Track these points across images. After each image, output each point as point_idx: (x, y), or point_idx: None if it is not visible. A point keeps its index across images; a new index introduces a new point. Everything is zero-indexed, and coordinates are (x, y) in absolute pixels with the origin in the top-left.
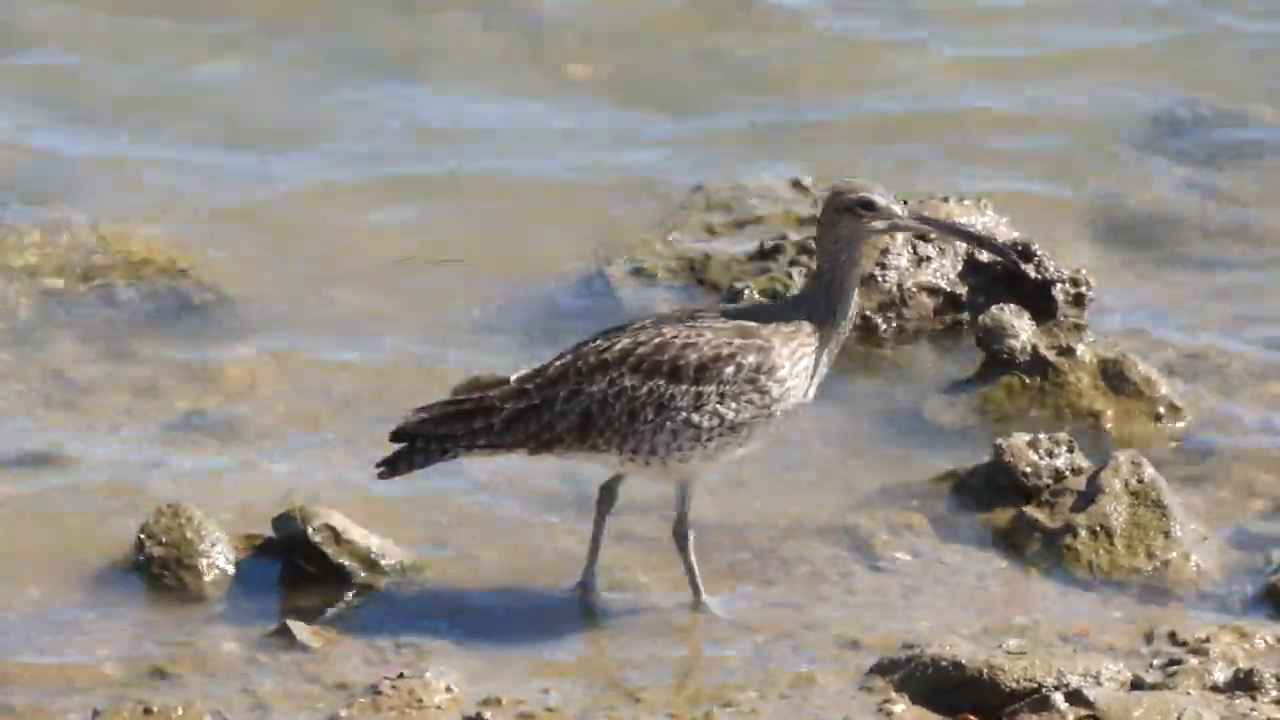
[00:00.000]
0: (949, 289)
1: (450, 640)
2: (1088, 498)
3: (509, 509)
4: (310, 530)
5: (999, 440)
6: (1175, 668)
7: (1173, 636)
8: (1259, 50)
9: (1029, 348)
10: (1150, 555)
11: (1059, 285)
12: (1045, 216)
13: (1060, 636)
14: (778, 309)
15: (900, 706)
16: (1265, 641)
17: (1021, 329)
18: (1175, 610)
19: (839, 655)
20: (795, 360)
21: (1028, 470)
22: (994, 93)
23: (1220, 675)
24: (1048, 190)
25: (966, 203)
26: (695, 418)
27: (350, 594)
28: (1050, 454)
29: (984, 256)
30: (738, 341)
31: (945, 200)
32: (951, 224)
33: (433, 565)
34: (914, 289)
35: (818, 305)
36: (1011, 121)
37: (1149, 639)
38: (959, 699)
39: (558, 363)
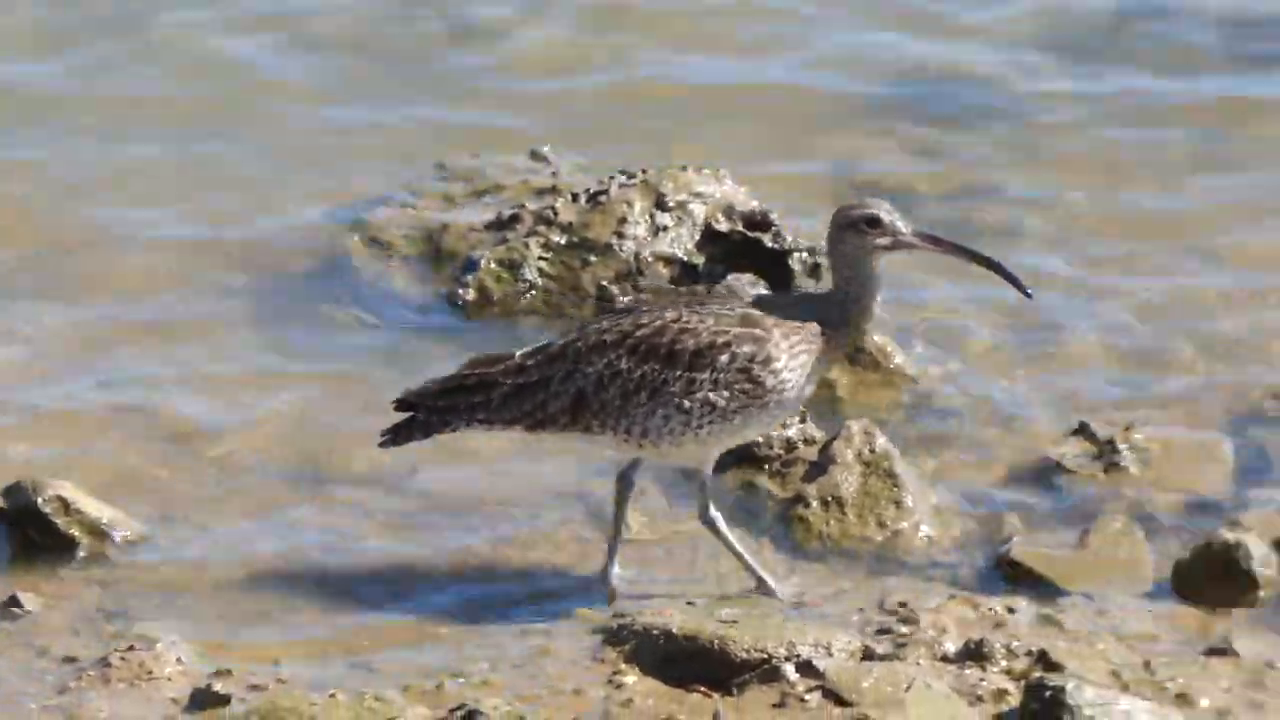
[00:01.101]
0: (686, 259)
1: (182, 612)
2: (819, 468)
3: (245, 482)
4: (40, 501)
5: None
6: (906, 638)
7: (904, 607)
8: (983, 21)
9: None
10: (882, 525)
11: (796, 255)
12: (783, 186)
13: (791, 606)
14: (794, 303)
15: (631, 678)
16: (996, 612)
17: (744, 298)
18: (907, 581)
19: (572, 625)
20: (794, 354)
21: (760, 440)
22: (733, 63)
23: (951, 646)
24: (785, 160)
25: (705, 172)
26: (686, 403)
27: (81, 565)
28: (783, 424)
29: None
30: (735, 330)
31: (684, 169)
32: (959, 245)
33: (166, 537)
34: (651, 258)
35: (832, 311)
36: (750, 91)
37: (880, 609)
38: (690, 669)
39: (560, 341)
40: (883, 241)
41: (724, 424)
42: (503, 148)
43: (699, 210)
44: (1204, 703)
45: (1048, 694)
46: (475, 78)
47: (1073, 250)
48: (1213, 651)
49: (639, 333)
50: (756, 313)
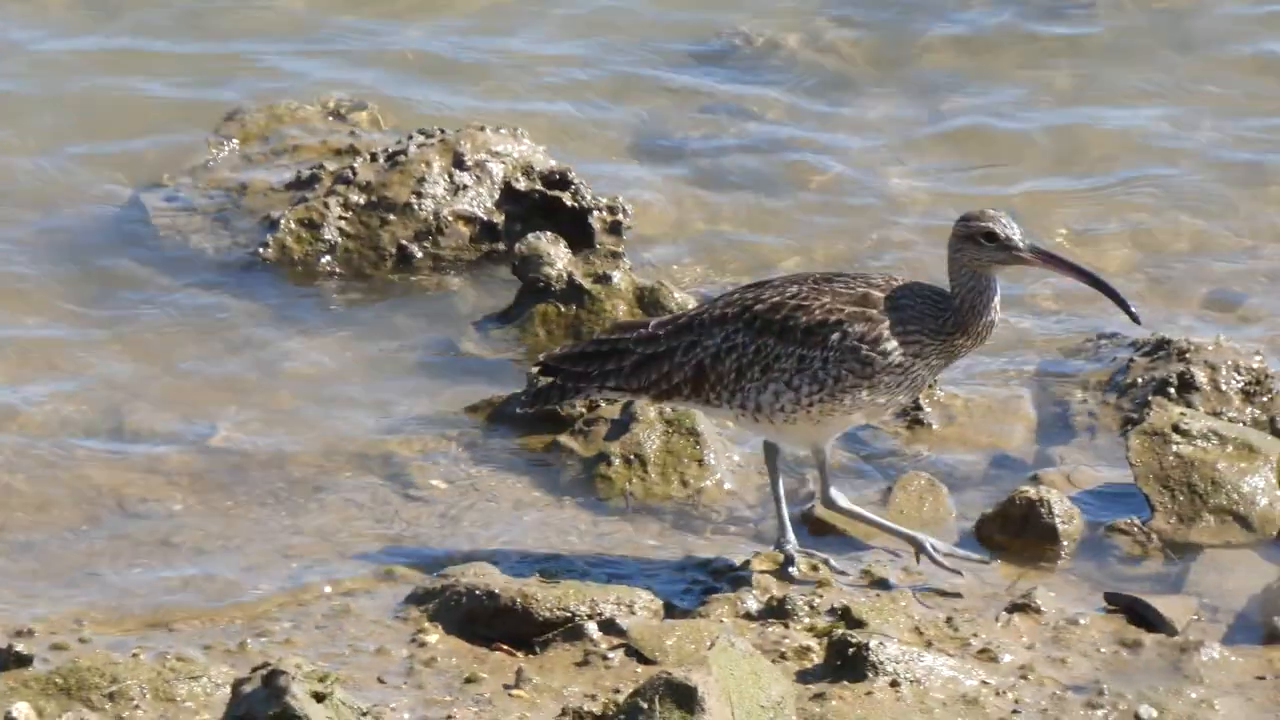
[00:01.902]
0: (486, 217)
1: None
2: (622, 426)
3: (42, 446)
4: None
5: (534, 369)
6: (709, 596)
7: (706, 564)
8: None
9: (565, 275)
10: (684, 483)
11: (596, 213)
12: (584, 144)
13: (594, 565)
14: (921, 297)
15: (434, 636)
16: (798, 569)
17: (558, 257)
18: (710, 538)
19: (374, 585)
20: (906, 340)
21: None
22: (534, 21)
23: (753, 603)
24: (587, 118)
25: (503, 130)
26: (796, 380)
27: None
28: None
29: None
30: (849, 309)
31: (482, 129)
32: (1073, 264)
33: None
34: (450, 217)
35: (948, 314)
36: (550, 49)
37: (682, 567)
38: (493, 628)
39: (692, 312)
40: (999, 256)
41: (834, 402)
42: (302, 108)
43: (498, 169)
44: (1006, 658)
45: (850, 650)
46: (268, 30)
47: (864, 215)
48: (1015, 607)
49: (757, 307)
50: (876, 293)
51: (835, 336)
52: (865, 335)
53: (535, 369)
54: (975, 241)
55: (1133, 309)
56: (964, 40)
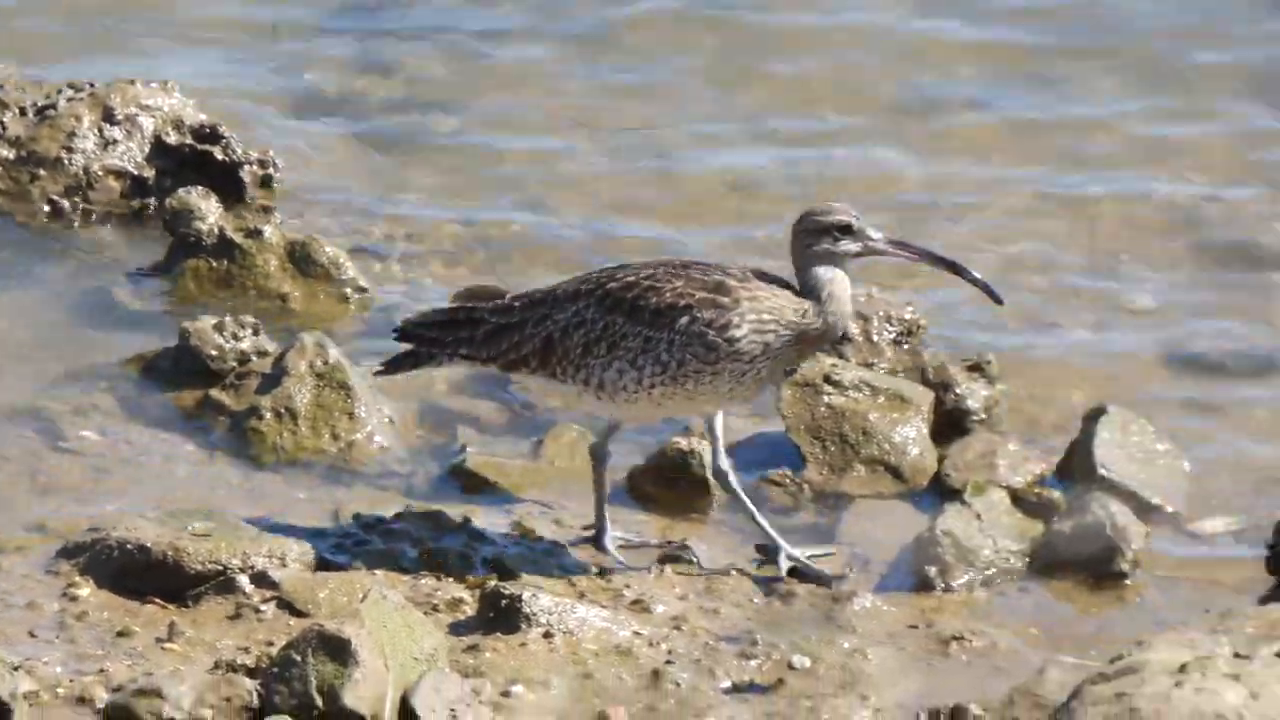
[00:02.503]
0: (136, 172)
1: None
2: (273, 380)
3: None
4: None
5: (184, 323)
6: (361, 548)
7: (358, 517)
8: None
9: (216, 230)
10: (335, 437)
11: (247, 167)
12: (238, 98)
13: (247, 518)
14: (780, 288)
15: (85, 590)
16: (451, 519)
17: (209, 211)
18: (362, 491)
19: (25, 540)
20: (761, 327)
21: (213, 353)
22: None
23: (406, 556)
24: (241, 71)
25: (154, 84)
26: (640, 360)
27: None
28: (236, 337)
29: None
30: (700, 295)
31: (133, 83)
32: (928, 251)
33: None
34: (101, 172)
35: (805, 307)
36: (212, 6)
37: (335, 520)
38: (145, 582)
39: (551, 286)
40: (853, 248)
41: (675, 386)
42: None
43: (148, 123)
44: (659, 609)
45: (503, 602)
46: None
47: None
48: (667, 559)
49: (609, 285)
50: (731, 282)
51: (684, 320)
52: (713, 322)
53: (394, 335)
54: (829, 235)
55: (995, 291)
56: None
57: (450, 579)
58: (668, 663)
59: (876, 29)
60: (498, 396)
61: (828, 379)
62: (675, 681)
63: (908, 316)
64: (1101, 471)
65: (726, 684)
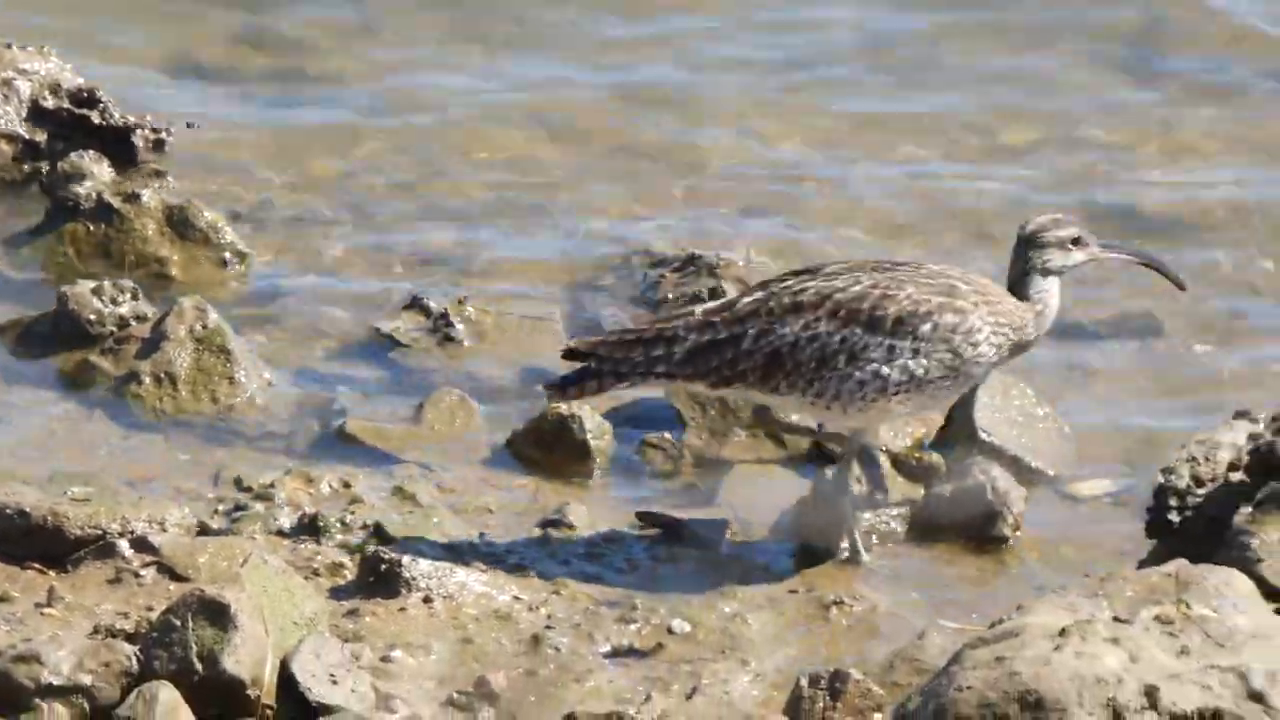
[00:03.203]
0: (26, 135)
1: None
2: (152, 344)
3: None
4: None
5: (63, 288)
6: (241, 513)
7: (238, 482)
8: None
9: (95, 194)
10: (215, 400)
11: (140, 132)
12: (122, 61)
13: (126, 482)
14: (1002, 294)
15: None
16: (331, 486)
17: (101, 175)
18: (241, 455)
19: None
20: (997, 331)
21: (92, 318)
22: None
23: (287, 520)
24: (123, 34)
25: (30, 48)
26: (885, 370)
27: None
28: (114, 301)
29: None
30: (936, 299)
31: (9, 46)
32: (1140, 251)
33: None
34: None
35: (1027, 314)
36: None
37: (215, 484)
38: (24, 548)
39: (746, 299)
40: (1081, 257)
41: (917, 393)
42: None
43: (25, 87)
44: (539, 574)
45: (383, 567)
46: None
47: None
48: (548, 523)
49: (838, 296)
50: (963, 286)
51: (926, 328)
52: (957, 326)
53: (564, 354)
54: (1063, 246)
55: (1184, 283)
56: None
57: (330, 543)
58: (547, 627)
59: None
60: (379, 360)
61: None
62: (555, 646)
63: None
64: (982, 435)
65: (606, 648)
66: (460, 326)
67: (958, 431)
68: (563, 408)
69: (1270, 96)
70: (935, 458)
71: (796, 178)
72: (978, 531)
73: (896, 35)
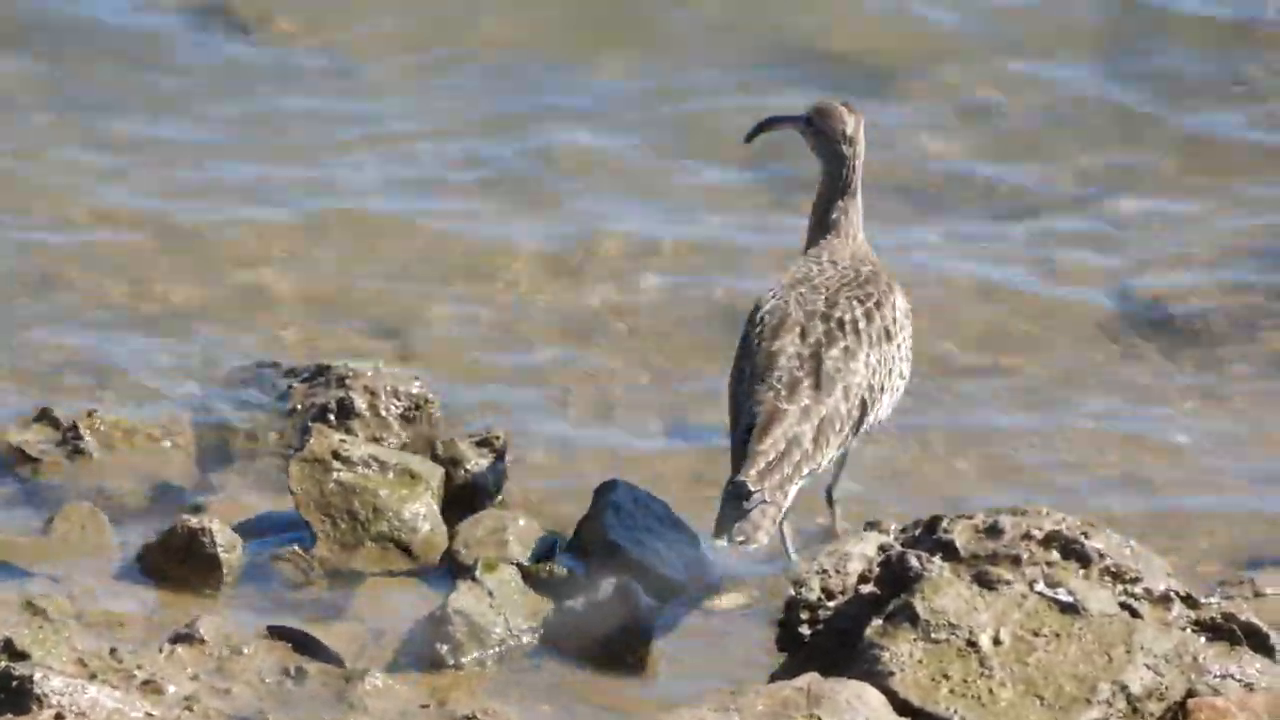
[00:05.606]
0: None
1: None
2: None
3: None
4: None
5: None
6: None
7: None
8: None
9: None
10: None
11: None
12: None
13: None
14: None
15: None
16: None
17: None
18: None
19: None
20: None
21: None
22: None
23: None
24: None
25: None
26: (905, 369)
27: None
28: None
29: None
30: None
31: None
32: None
33: None
34: None
35: None
36: None
37: None
38: None
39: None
40: None
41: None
42: None
43: None
44: (171, 690)
45: (14, 683)
46: None
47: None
48: (178, 638)
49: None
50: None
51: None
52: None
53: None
54: None
55: None
56: None
57: None
58: None
59: None
60: (8, 472)
61: (336, 455)
62: None
63: (415, 391)
64: (614, 546)
65: None
66: (90, 438)
67: (590, 543)
68: (192, 521)
69: None
70: (567, 570)
71: None
72: (611, 644)
73: None
